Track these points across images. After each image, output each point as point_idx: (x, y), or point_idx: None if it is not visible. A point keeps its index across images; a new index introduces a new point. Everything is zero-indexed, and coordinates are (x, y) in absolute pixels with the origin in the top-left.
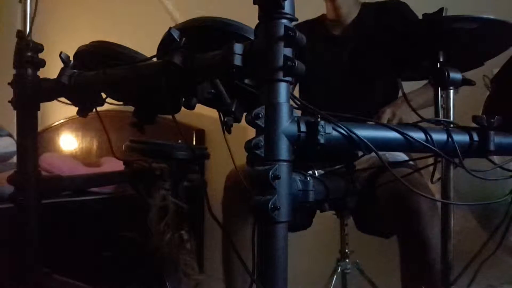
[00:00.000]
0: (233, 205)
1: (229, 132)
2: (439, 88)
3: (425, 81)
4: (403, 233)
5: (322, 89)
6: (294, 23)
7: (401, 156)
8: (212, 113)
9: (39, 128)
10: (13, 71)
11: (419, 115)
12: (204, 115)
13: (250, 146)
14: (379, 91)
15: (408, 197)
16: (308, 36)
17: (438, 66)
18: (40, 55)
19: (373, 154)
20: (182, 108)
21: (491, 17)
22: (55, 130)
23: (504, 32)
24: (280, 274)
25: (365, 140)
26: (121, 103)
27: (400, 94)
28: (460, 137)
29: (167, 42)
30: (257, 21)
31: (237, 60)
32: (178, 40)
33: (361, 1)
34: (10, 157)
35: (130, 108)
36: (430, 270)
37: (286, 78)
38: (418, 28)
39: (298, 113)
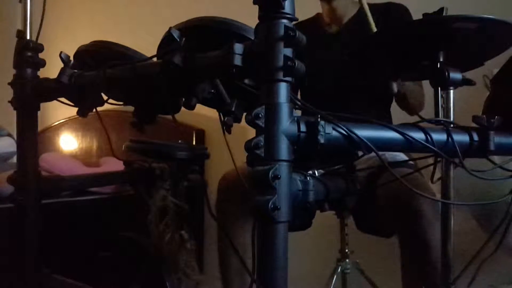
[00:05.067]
0: (228, 206)
1: (229, 132)
2: (439, 88)
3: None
4: (404, 234)
5: (319, 88)
6: (294, 23)
7: (400, 156)
8: (212, 113)
9: (39, 128)
10: (13, 71)
11: (419, 115)
12: (204, 115)
13: (250, 146)
14: (377, 91)
15: (410, 198)
16: (304, 35)
17: (438, 66)
18: (40, 55)
19: (373, 154)
20: (182, 108)
21: (491, 16)
22: (55, 130)
23: (504, 32)
24: (280, 274)
25: (365, 140)
26: (121, 103)
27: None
28: (460, 137)
29: (167, 42)
30: (257, 21)
31: (237, 60)
32: (178, 40)
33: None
34: (10, 157)
35: (130, 108)
36: (431, 270)
37: (286, 78)
38: (419, 28)
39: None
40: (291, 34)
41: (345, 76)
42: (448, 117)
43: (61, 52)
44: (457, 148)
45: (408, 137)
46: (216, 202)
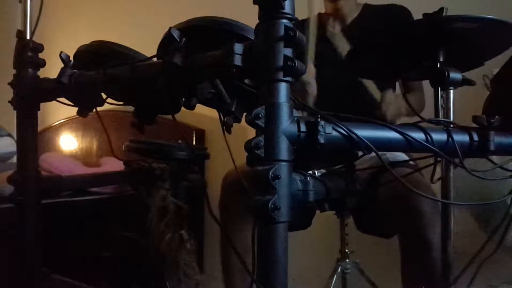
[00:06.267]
0: (231, 205)
1: (229, 132)
2: (439, 88)
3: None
4: (406, 233)
5: (321, 87)
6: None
7: (401, 156)
8: (212, 113)
9: (39, 128)
10: (13, 71)
11: (419, 116)
12: (204, 115)
13: (250, 146)
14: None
15: (411, 197)
16: (307, 35)
17: (438, 66)
18: (40, 55)
19: (373, 154)
20: (182, 108)
21: (492, 17)
22: (55, 130)
23: (505, 32)
24: (280, 274)
25: (365, 140)
26: (121, 103)
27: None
28: (460, 137)
29: (167, 42)
30: (257, 21)
31: (237, 60)
32: (178, 40)
33: (361, 2)
34: (10, 157)
35: (130, 108)
36: (432, 270)
37: (286, 78)
38: (419, 28)
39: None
40: (291, 34)
41: (347, 75)
42: (448, 117)
43: (61, 52)
44: (457, 148)
45: (408, 137)
46: (220, 200)
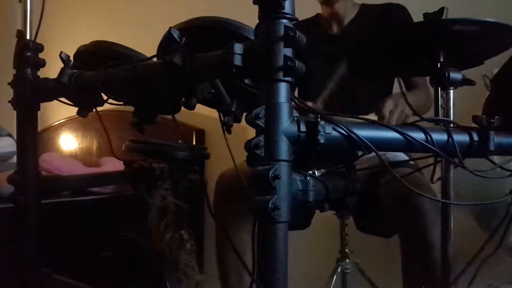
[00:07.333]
0: (225, 207)
1: (229, 132)
2: (439, 88)
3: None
4: (407, 233)
5: (320, 88)
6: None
7: (401, 156)
8: (212, 113)
9: (39, 128)
10: (13, 71)
11: (418, 115)
12: (204, 115)
13: (250, 146)
14: (374, 91)
15: (413, 197)
16: (305, 35)
17: (438, 66)
18: (40, 55)
19: (373, 154)
20: (182, 108)
21: (492, 20)
22: (55, 130)
23: (505, 34)
24: (280, 274)
25: (365, 140)
26: (121, 103)
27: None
28: (460, 137)
29: (167, 42)
30: (257, 21)
31: (237, 60)
32: (178, 40)
33: (358, 2)
34: (10, 157)
35: (130, 108)
36: (433, 270)
37: (286, 78)
38: (419, 29)
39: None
40: (291, 34)
41: (346, 77)
42: (448, 117)
43: (61, 52)
44: (457, 148)
45: (408, 137)
46: (213, 203)
